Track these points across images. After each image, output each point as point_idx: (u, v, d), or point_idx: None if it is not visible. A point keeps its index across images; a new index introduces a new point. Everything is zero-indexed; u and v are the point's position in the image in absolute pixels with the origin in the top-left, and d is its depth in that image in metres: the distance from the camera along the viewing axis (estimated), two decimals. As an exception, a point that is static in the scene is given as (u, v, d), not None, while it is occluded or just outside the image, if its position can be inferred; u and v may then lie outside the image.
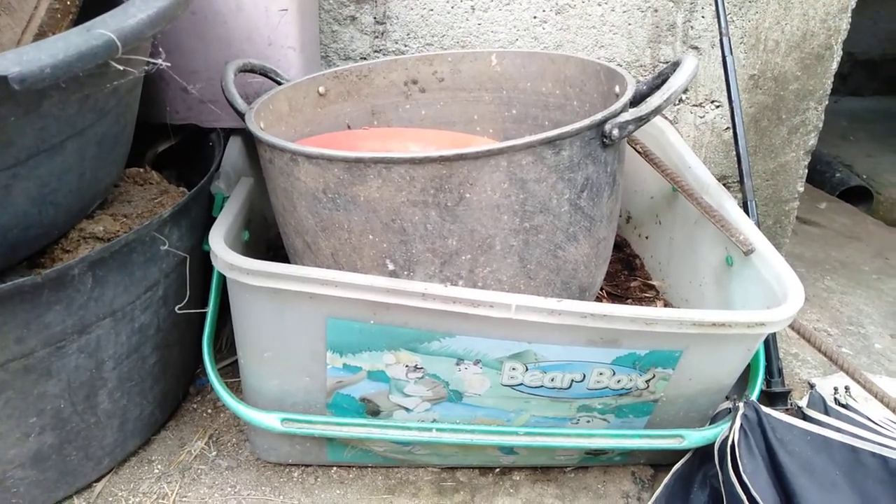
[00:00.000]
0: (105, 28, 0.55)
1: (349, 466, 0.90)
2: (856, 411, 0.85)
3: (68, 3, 0.76)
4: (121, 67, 0.56)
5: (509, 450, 0.86)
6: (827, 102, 1.25)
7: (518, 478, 0.90)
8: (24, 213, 0.64)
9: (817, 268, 1.54)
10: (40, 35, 0.73)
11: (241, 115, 0.83)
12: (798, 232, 1.70)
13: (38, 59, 0.49)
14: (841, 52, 1.21)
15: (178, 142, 1.04)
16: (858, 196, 1.98)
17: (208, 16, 0.93)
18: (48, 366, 0.70)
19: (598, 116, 0.71)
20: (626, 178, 1.11)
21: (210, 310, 0.84)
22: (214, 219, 0.80)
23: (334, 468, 0.89)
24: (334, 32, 1.14)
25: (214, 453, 0.91)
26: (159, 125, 1.01)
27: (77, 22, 0.77)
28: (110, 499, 0.83)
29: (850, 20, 1.18)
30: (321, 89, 0.98)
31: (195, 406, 0.98)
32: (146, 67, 0.61)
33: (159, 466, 0.88)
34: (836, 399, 0.88)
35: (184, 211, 0.80)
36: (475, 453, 0.87)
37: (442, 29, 1.14)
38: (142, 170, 0.94)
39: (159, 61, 0.60)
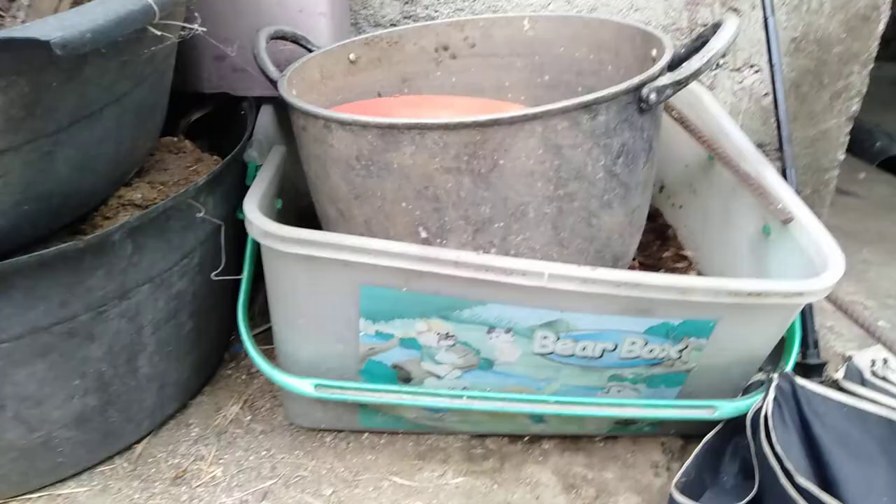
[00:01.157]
0: (142, -7, 0.55)
1: (380, 432, 0.91)
2: (894, 384, 0.83)
3: (102, -30, 0.76)
4: (158, 33, 0.56)
5: (539, 418, 0.87)
6: (872, 66, 1.20)
7: (547, 446, 0.91)
8: (66, 179, 0.65)
9: (855, 240, 1.50)
10: (77, 3, 0.74)
11: (273, 83, 0.83)
12: (835, 203, 1.65)
13: (79, 24, 0.49)
14: (888, 13, 1.16)
15: (209, 111, 1.04)
16: (900, 166, 1.92)
17: (239, -17, 0.93)
18: (90, 330, 0.71)
19: (636, 80, 0.69)
20: (660, 146, 1.08)
21: (245, 277, 0.85)
22: (248, 187, 0.81)
23: (366, 434, 0.91)
24: (364, -1, 1.13)
25: (249, 418, 0.93)
26: (191, 94, 1.01)
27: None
28: (150, 460, 0.86)
29: (899, -21, 1.13)
30: (352, 56, 0.97)
31: (230, 372, 1.01)
32: (182, 33, 0.61)
33: (196, 430, 0.91)
34: (873, 371, 0.87)
35: (218, 179, 0.81)
36: (505, 421, 0.88)
37: (472, -6, 1.12)
38: (175, 139, 0.95)
39: (195, 26, 0.60)
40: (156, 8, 0.54)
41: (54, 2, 0.75)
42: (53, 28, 0.49)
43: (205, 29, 0.61)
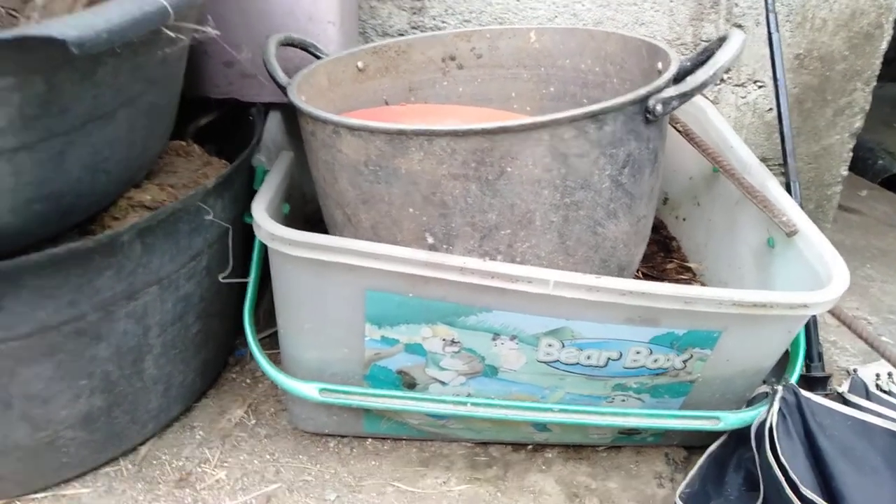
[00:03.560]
0: (158, -4, 0.55)
1: (384, 438, 0.91)
2: (898, 397, 0.83)
3: (117, -25, 0.77)
4: (172, 34, 0.57)
5: (543, 427, 0.87)
6: (875, 83, 1.21)
7: (550, 455, 0.91)
8: (77, 179, 0.66)
9: (857, 256, 1.50)
10: (91, 3, 0.75)
11: (283, 89, 0.84)
12: (838, 219, 1.66)
13: (96, 24, 0.50)
14: (892, 31, 1.17)
15: (217, 116, 1.05)
16: (902, 184, 1.92)
17: (250, -10, 0.94)
18: (98, 330, 0.72)
19: (642, 91, 0.70)
20: (665, 158, 1.09)
21: (251, 280, 0.86)
22: (255, 191, 0.81)
23: (369, 439, 0.91)
24: (373, 8, 1.14)
25: (253, 422, 0.93)
26: (200, 99, 1.02)
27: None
28: (154, 462, 0.86)
29: (902, -2, 1.15)
30: (360, 64, 0.98)
31: (234, 376, 1.01)
32: (195, 35, 0.62)
33: (201, 432, 0.91)
34: (877, 385, 0.87)
35: (227, 182, 0.81)
36: (509, 429, 0.88)
37: (480, 5, 1.14)
38: (184, 143, 0.95)
39: (208, 29, 0.61)
40: (170, 9, 0.55)
41: (68, 3, 0.76)
42: (70, 27, 0.50)
43: (218, 32, 0.62)
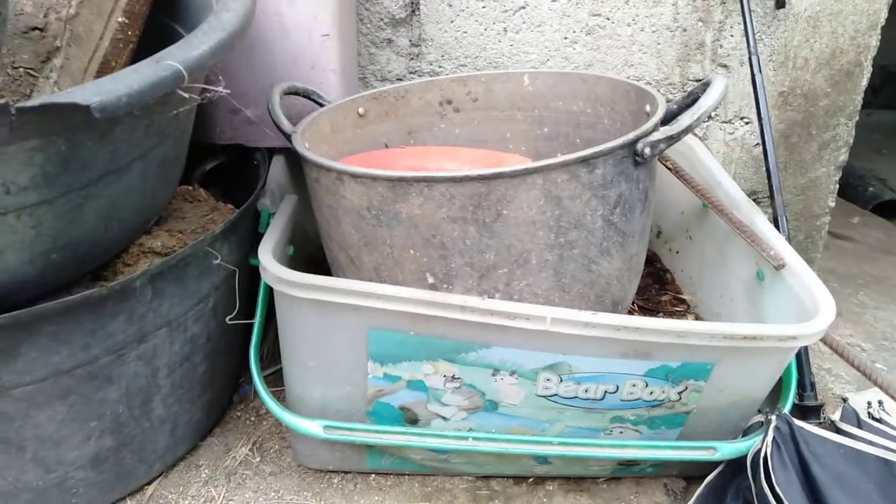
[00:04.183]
0: (173, 59, 0.59)
1: (387, 473, 0.92)
2: (890, 425, 0.85)
3: (129, 33, 0.82)
4: (186, 95, 0.60)
5: (543, 459, 0.88)
6: (857, 118, 1.25)
7: (551, 487, 0.92)
8: (92, 229, 0.69)
9: (850, 283, 1.53)
10: (105, 64, 0.79)
11: (287, 136, 0.88)
12: (830, 247, 1.69)
13: (116, 89, 0.54)
14: (871, 69, 1.21)
15: (223, 161, 1.09)
16: (892, 210, 1.96)
17: (256, 42, 0.98)
18: (109, 372, 0.74)
19: (631, 136, 0.73)
20: (657, 193, 1.12)
21: (257, 321, 0.88)
22: (261, 234, 0.84)
23: (373, 475, 0.92)
24: (372, 55, 1.19)
25: (258, 459, 0.95)
26: (206, 145, 1.06)
27: (136, 51, 0.82)
28: (161, 501, 0.87)
29: (879, 37, 1.19)
30: (361, 110, 1.02)
31: (239, 414, 1.02)
32: (208, 94, 0.65)
33: (206, 471, 0.92)
34: (869, 413, 0.89)
35: (234, 227, 0.84)
36: (510, 462, 0.89)
37: (475, 50, 1.18)
38: (191, 187, 0.99)
39: (220, 89, 0.64)
40: (184, 73, 0.58)
41: (84, 63, 0.80)
42: (92, 93, 0.53)
43: (228, 90, 0.66)
